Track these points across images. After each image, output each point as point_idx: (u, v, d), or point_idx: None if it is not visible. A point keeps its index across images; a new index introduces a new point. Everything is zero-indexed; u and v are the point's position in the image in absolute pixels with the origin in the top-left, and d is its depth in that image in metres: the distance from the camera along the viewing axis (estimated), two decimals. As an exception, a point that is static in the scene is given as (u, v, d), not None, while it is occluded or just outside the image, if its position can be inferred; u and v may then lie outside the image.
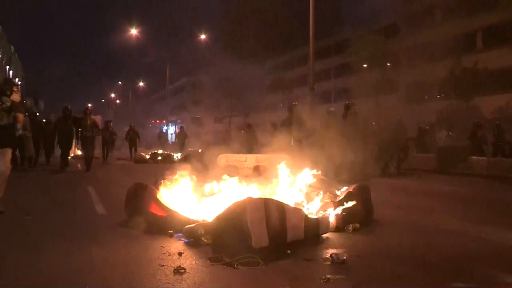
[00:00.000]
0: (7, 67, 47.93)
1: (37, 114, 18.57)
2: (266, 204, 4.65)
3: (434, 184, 12.39)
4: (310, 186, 6.47)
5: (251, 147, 12.18)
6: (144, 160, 19.80)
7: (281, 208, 4.76)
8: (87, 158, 14.27)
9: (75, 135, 14.82)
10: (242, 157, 8.16)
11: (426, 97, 34.66)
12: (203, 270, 3.88)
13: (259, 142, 11.77)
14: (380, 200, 6.97)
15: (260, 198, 4.86)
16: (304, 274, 3.87)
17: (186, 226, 4.88)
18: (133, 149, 21.86)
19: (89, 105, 14.85)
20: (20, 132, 6.88)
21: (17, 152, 12.08)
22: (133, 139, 22.02)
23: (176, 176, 6.22)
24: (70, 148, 14.98)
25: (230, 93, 41.58)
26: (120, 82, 74.98)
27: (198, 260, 4.14)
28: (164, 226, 5.19)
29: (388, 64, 34.36)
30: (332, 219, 5.41)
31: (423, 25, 32.77)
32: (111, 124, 21.89)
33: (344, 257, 4.14)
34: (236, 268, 3.90)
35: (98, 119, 19.33)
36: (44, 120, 18.35)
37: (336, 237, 5.22)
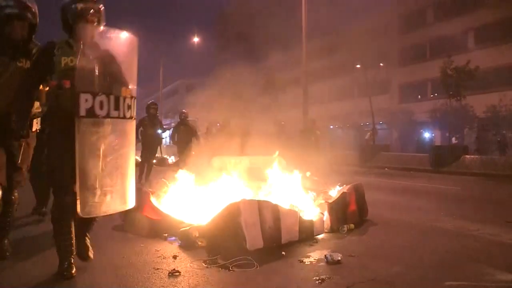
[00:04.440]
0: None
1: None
2: (260, 206, 4.67)
3: (428, 183, 12.47)
4: (304, 187, 6.48)
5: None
6: (137, 164, 19.49)
7: (275, 209, 4.78)
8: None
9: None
10: (236, 159, 8.16)
11: (419, 96, 34.87)
12: (197, 272, 3.88)
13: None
14: (374, 200, 7.00)
15: (254, 200, 4.87)
16: (298, 275, 3.87)
17: (181, 229, 4.88)
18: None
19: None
20: None
21: None
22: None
23: (170, 179, 6.21)
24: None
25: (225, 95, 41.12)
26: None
27: (193, 263, 4.13)
28: (158, 229, 5.18)
29: (381, 64, 34.49)
30: (326, 220, 5.43)
31: (415, 24, 32.94)
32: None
33: (339, 258, 4.16)
34: (231, 270, 3.91)
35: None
36: None
37: (330, 238, 5.24)
